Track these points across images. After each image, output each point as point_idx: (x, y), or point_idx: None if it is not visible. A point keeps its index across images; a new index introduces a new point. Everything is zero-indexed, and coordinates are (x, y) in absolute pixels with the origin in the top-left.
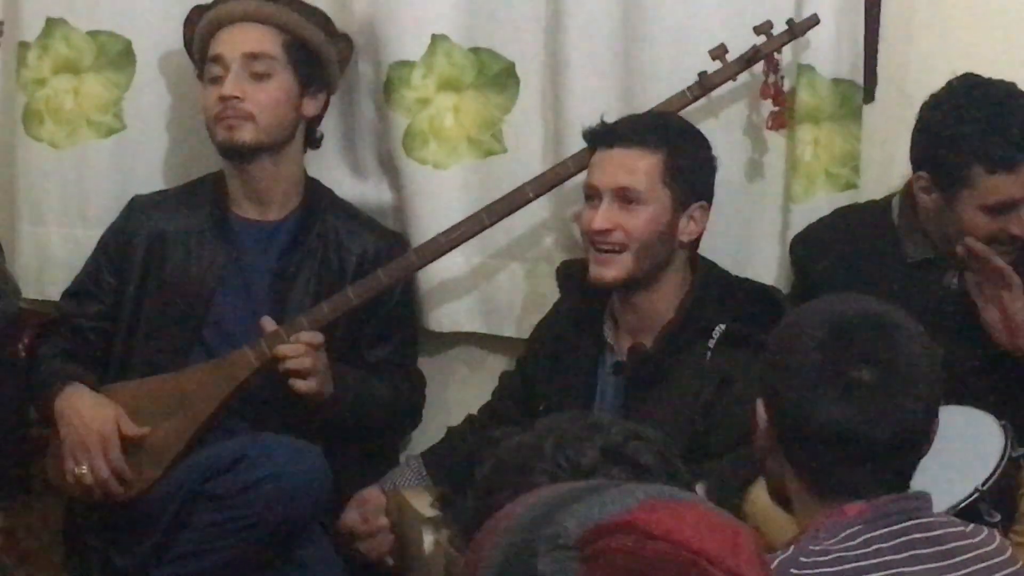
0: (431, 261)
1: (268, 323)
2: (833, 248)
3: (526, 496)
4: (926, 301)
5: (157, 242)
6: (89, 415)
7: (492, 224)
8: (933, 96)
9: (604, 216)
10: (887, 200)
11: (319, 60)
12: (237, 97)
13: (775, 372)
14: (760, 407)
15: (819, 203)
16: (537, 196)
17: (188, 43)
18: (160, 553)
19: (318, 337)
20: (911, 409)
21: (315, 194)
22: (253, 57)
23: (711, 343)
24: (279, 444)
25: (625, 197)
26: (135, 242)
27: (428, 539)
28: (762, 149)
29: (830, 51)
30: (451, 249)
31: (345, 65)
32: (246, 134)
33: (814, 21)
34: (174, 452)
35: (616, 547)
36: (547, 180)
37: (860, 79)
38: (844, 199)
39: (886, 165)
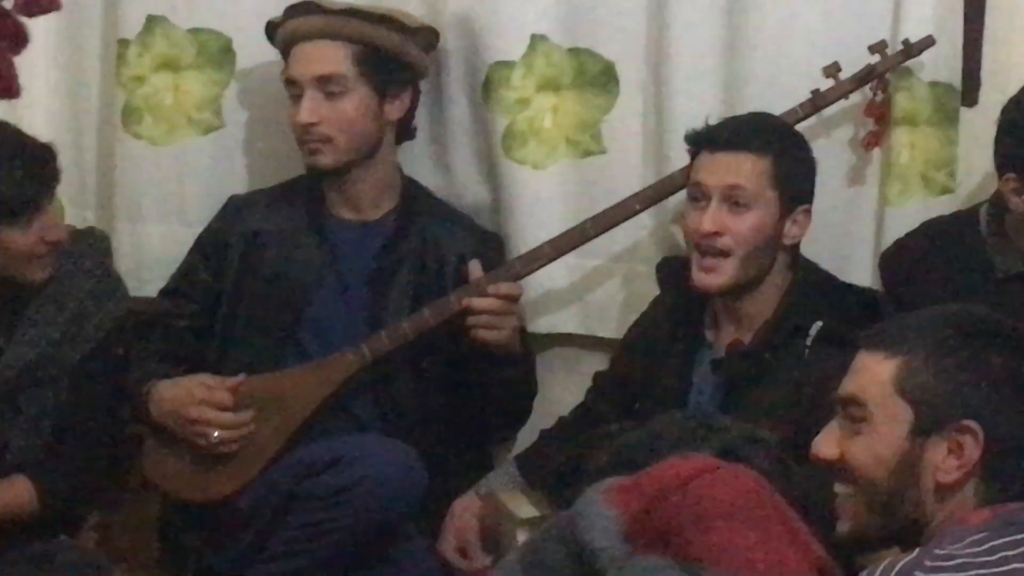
0: (535, 270)
1: (475, 268)
2: (920, 265)
3: None
4: (1018, 318)
5: (254, 242)
6: (179, 392)
7: (596, 236)
8: (1014, 97)
9: (712, 218)
10: (975, 209)
11: (397, 63)
12: (313, 123)
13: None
14: (975, 432)
15: (915, 207)
16: (643, 209)
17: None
18: (255, 553)
19: (517, 289)
20: None
21: (412, 194)
22: (326, 79)
23: (808, 340)
24: (375, 445)
25: (734, 198)
26: (232, 242)
27: (522, 540)
28: (860, 155)
29: (928, 54)
30: (555, 259)
31: (432, 50)
32: (327, 158)
33: (930, 42)
34: (271, 452)
35: (673, 511)
36: (654, 193)
37: (958, 83)
38: (940, 203)
39: (988, 170)
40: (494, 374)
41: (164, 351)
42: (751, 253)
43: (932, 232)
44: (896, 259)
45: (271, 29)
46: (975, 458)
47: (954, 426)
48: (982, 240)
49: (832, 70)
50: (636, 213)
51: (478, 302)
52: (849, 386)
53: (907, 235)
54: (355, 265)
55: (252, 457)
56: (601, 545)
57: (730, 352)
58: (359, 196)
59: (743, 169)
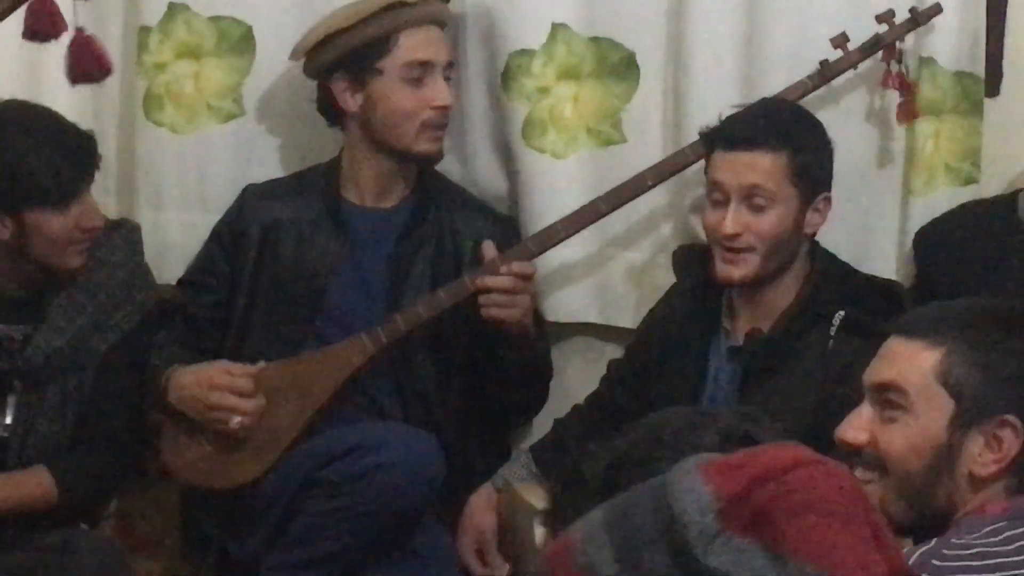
0: (548, 249)
1: (489, 248)
2: (956, 245)
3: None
4: None
5: (271, 231)
6: (199, 378)
7: (609, 212)
8: None
9: (734, 220)
10: (1014, 195)
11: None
12: (446, 107)
13: None
14: (1015, 427)
15: (939, 197)
16: (655, 184)
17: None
18: (273, 540)
19: (530, 268)
20: None
21: (428, 180)
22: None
23: (832, 330)
24: (394, 432)
25: (754, 197)
26: (249, 232)
27: (539, 531)
28: (884, 138)
29: (952, 43)
30: (568, 237)
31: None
32: (442, 144)
33: (937, 10)
34: (289, 438)
35: (771, 497)
36: (666, 168)
37: (982, 72)
38: (965, 194)
39: (1010, 160)
40: (509, 356)
41: (183, 339)
42: (774, 246)
43: (970, 215)
44: (932, 237)
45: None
46: (1013, 453)
47: (995, 420)
48: (1019, 225)
49: (840, 40)
50: (648, 188)
51: (491, 281)
52: (886, 372)
53: (946, 214)
54: (373, 252)
55: (270, 444)
56: (694, 519)
57: (749, 341)
58: (375, 183)
59: (761, 168)
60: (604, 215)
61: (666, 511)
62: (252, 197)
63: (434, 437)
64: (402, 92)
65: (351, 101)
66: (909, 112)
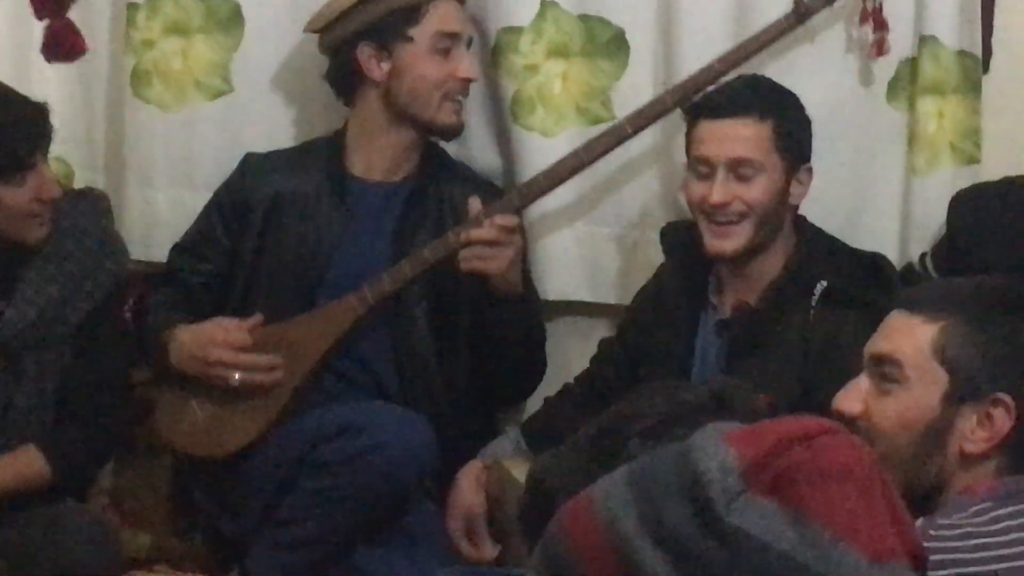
0: (531, 202)
1: (474, 203)
2: (987, 217)
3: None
4: None
5: (275, 204)
6: (199, 335)
7: (590, 162)
8: None
9: (721, 189)
10: None
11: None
12: (471, 79)
13: None
14: (1008, 406)
15: (942, 177)
16: (636, 131)
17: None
18: (264, 518)
19: (514, 220)
20: None
21: (432, 156)
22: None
23: (813, 300)
24: (386, 413)
25: (740, 168)
26: (252, 203)
27: None
28: (885, 117)
29: (952, 22)
30: (550, 189)
31: None
32: (462, 117)
33: None
34: (281, 400)
35: (794, 461)
36: (645, 115)
37: (979, 51)
38: (967, 173)
39: (1002, 138)
40: (500, 317)
41: (180, 302)
42: (765, 214)
43: (1009, 188)
44: (965, 202)
45: None
46: (1004, 431)
47: (988, 398)
48: None
49: None
50: (628, 136)
51: (475, 233)
52: (884, 344)
53: (986, 183)
54: (376, 227)
55: (263, 407)
56: (716, 477)
57: (736, 313)
58: (387, 157)
59: (746, 136)
60: (586, 165)
61: (689, 471)
62: (255, 167)
63: (427, 420)
64: (431, 61)
65: (377, 69)
66: (880, 48)
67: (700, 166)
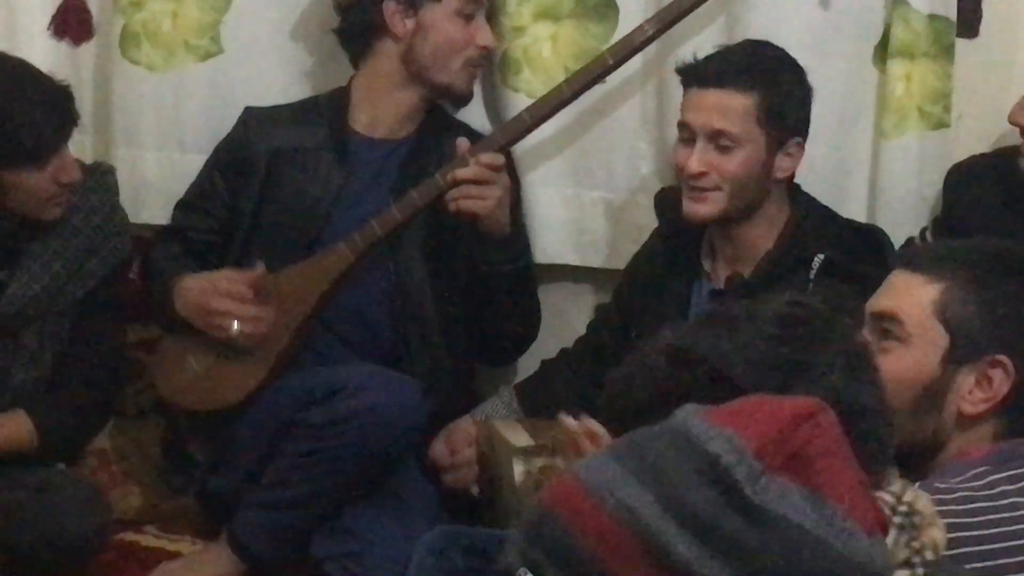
0: (516, 139)
1: (461, 144)
2: (981, 187)
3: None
4: None
5: (276, 158)
6: (203, 283)
7: (572, 97)
8: None
9: (699, 159)
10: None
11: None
12: (488, 47)
13: None
14: (1007, 367)
15: (910, 140)
16: (617, 63)
17: None
18: (253, 479)
19: (499, 158)
20: None
21: (434, 115)
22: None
23: (811, 274)
24: (376, 376)
25: (719, 139)
26: (254, 158)
27: (518, 469)
28: (858, 80)
29: None
30: (534, 125)
31: None
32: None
33: None
34: (277, 349)
35: (804, 438)
36: (625, 46)
37: (954, 14)
38: (935, 137)
39: (989, 101)
40: (490, 257)
41: (184, 256)
42: (739, 186)
43: (1002, 158)
44: (960, 173)
45: None
46: (1003, 393)
47: (987, 359)
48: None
49: None
50: (610, 66)
51: (460, 172)
52: (886, 302)
53: (981, 154)
54: (375, 184)
55: (258, 359)
56: (735, 458)
57: (730, 284)
58: (393, 114)
59: (728, 108)
60: (568, 100)
61: (699, 454)
62: (256, 120)
63: (415, 381)
64: (456, 24)
65: (402, 25)
66: None
67: (683, 132)
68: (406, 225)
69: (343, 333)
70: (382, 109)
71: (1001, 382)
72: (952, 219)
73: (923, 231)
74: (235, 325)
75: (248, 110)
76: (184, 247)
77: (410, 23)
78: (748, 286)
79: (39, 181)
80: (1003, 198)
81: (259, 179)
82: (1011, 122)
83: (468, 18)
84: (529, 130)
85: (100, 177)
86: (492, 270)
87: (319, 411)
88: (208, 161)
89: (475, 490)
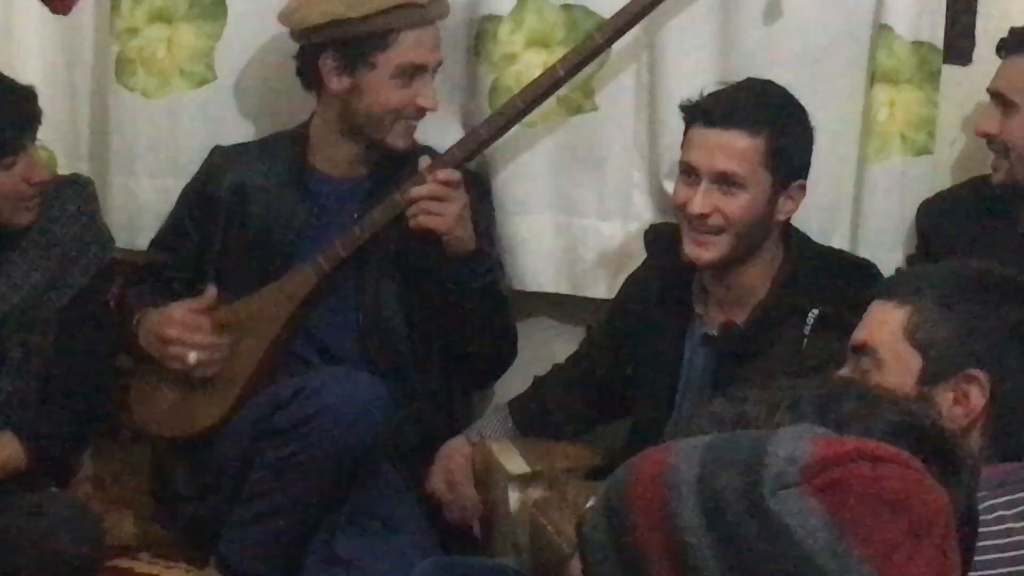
0: (474, 154)
1: (423, 162)
2: (955, 218)
3: (686, 444)
4: None
5: (239, 194)
6: (160, 316)
7: (527, 110)
8: None
9: (703, 200)
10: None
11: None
12: (429, 109)
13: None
14: (981, 382)
15: (892, 166)
16: (568, 74)
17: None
18: (235, 496)
19: (455, 174)
20: None
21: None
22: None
23: (806, 329)
24: (337, 375)
25: (725, 181)
26: (218, 195)
27: (514, 497)
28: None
29: (910, 12)
30: (491, 140)
31: None
32: (412, 138)
33: None
34: (245, 375)
35: (855, 474)
36: (573, 58)
37: (940, 42)
38: (919, 164)
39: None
40: (455, 275)
41: (156, 292)
42: (744, 228)
43: (973, 188)
44: (933, 208)
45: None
46: (980, 407)
47: (961, 375)
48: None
49: None
50: (561, 80)
51: (416, 190)
52: (860, 334)
53: (951, 187)
54: (338, 219)
55: (228, 384)
56: (780, 462)
57: (723, 332)
58: (344, 159)
59: (735, 150)
60: (524, 113)
61: (759, 448)
62: (220, 159)
63: (378, 380)
64: (391, 89)
65: (336, 82)
66: None
67: (686, 171)
68: (369, 244)
69: (313, 364)
70: (335, 151)
71: (977, 396)
72: (929, 251)
73: (909, 259)
74: (191, 355)
75: (214, 149)
76: (157, 285)
77: (345, 81)
78: (742, 336)
79: (8, 182)
80: (980, 222)
81: (224, 214)
82: (977, 132)
83: (407, 81)
84: (486, 144)
85: (79, 188)
86: (458, 288)
87: (283, 415)
88: (178, 200)
89: (477, 528)
